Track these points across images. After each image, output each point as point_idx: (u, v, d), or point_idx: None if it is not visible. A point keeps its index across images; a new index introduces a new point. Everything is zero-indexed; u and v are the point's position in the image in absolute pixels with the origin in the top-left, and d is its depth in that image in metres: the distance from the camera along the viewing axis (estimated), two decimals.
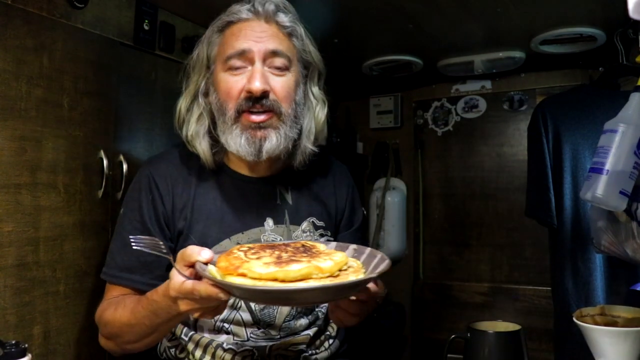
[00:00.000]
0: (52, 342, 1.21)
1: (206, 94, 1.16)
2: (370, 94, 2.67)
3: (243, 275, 0.77)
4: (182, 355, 1.15)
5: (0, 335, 1.04)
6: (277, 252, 0.83)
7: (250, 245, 0.90)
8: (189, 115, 1.16)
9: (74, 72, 1.26)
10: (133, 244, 0.87)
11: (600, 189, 1.09)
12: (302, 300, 0.85)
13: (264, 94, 1.07)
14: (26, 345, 0.85)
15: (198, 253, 0.83)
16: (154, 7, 1.48)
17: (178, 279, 0.85)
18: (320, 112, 1.21)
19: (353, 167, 1.39)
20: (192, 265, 0.84)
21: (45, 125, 1.19)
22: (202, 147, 1.14)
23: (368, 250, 0.92)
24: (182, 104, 1.17)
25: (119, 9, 1.39)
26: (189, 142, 1.16)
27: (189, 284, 0.83)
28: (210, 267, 0.83)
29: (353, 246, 0.94)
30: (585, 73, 2.20)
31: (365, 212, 1.37)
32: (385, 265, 0.84)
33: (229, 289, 0.79)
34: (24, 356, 0.84)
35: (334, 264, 0.79)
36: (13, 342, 0.85)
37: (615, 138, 1.09)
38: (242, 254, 0.83)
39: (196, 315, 0.89)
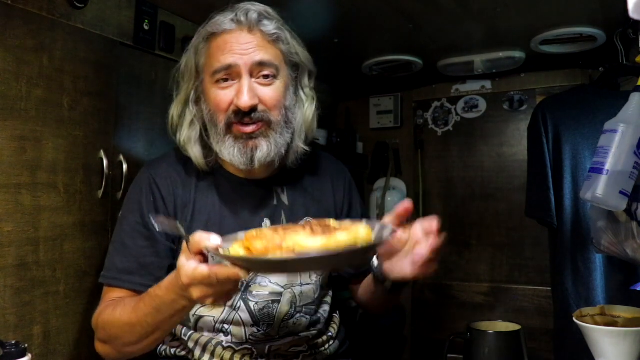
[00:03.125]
0: (52, 342, 1.21)
1: (197, 101, 1.17)
2: (370, 94, 2.67)
3: (290, 249, 0.77)
4: (182, 354, 1.15)
5: (0, 335, 1.04)
6: (307, 228, 0.83)
7: (272, 227, 0.89)
8: (181, 121, 1.18)
9: (74, 72, 1.26)
10: (155, 225, 0.90)
11: (600, 189, 1.09)
12: (343, 262, 0.93)
13: (253, 108, 1.09)
14: (26, 345, 0.85)
15: (207, 239, 0.83)
16: (154, 7, 1.48)
17: (190, 265, 0.83)
18: (309, 109, 1.22)
19: (353, 167, 1.39)
20: (200, 252, 0.84)
21: (45, 125, 1.19)
22: (195, 152, 1.16)
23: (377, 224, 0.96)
24: (175, 110, 1.19)
25: (119, 9, 1.39)
26: (182, 147, 1.18)
27: (204, 268, 0.82)
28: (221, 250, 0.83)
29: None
30: (585, 73, 2.20)
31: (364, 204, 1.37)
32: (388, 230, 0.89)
33: (270, 264, 0.80)
34: (24, 356, 0.84)
35: (367, 230, 0.83)
36: (13, 342, 0.85)
37: (615, 138, 1.09)
38: (271, 232, 0.82)
39: (209, 301, 0.88)
